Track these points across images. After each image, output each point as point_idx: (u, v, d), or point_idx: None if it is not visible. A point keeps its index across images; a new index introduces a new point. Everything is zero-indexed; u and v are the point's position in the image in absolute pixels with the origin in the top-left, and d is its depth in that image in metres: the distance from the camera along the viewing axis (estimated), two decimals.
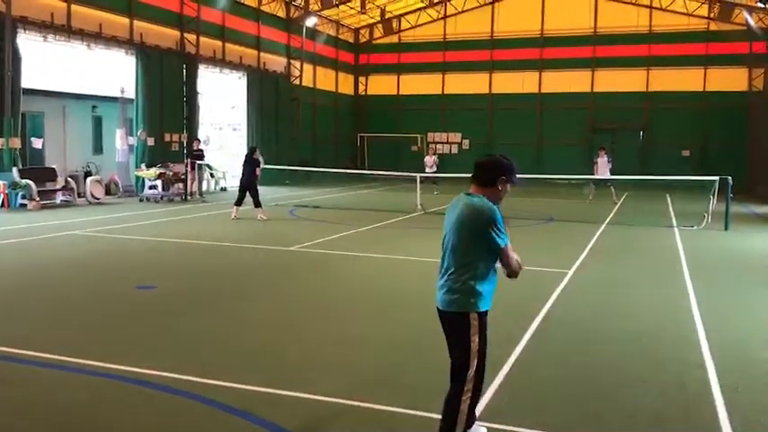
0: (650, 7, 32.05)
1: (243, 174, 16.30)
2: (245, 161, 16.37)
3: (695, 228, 15.69)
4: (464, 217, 3.95)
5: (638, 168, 29.19)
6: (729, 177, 16.12)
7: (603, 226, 15.96)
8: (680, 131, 31.78)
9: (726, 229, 15.29)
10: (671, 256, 11.91)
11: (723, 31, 30.88)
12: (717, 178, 16.86)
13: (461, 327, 3.93)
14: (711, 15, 30.96)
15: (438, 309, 4.10)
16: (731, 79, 30.96)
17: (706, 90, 31.61)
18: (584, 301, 8.42)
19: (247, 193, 16.05)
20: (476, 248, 3.89)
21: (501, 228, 3.90)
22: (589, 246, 12.77)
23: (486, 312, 4.03)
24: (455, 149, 36.03)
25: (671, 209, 20.58)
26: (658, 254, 12.28)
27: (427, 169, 25.73)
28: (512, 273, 3.98)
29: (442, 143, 36.29)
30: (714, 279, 10.05)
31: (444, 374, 5.30)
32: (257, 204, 16.05)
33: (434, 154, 27.92)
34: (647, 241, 13.94)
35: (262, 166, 17.23)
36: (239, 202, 16.06)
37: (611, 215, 18.36)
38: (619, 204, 21.22)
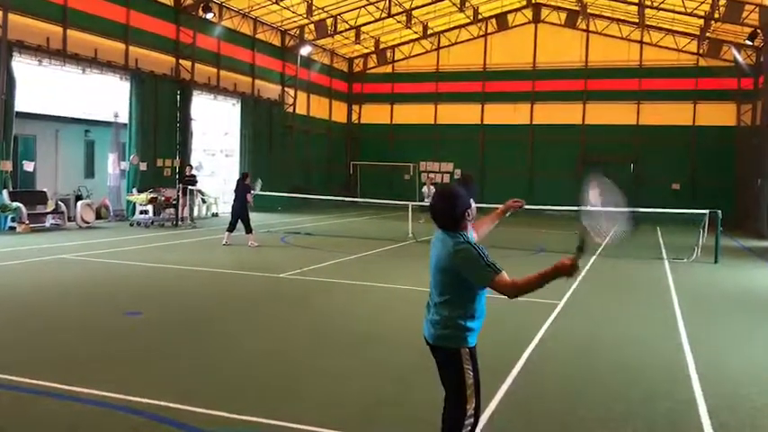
0: (641, 42, 32.55)
1: (235, 200, 16.28)
2: (237, 187, 16.36)
3: (685, 260, 15.75)
4: (444, 258, 3.81)
5: (627, 201, 29.29)
6: (719, 211, 16.24)
7: (593, 258, 15.98)
8: (670, 165, 32.07)
9: (715, 262, 15.36)
10: (661, 288, 11.93)
11: (712, 68, 31.35)
12: (706, 212, 16.97)
13: (453, 362, 3.86)
14: (701, 52, 31.45)
15: (426, 341, 4.03)
16: (720, 114, 31.37)
17: (695, 125, 31.99)
18: (574, 333, 8.40)
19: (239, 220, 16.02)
20: (460, 287, 3.79)
21: (483, 260, 3.74)
22: (579, 277, 12.77)
23: (474, 346, 3.96)
24: (447, 179, 36.17)
25: (661, 241, 20.66)
26: (648, 286, 12.30)
27: (427, 199, 25.79)
28: (520, 294, 3.82)
29: (435, 172, 36.43)
30: (704, 312, 10.06)
31: (432, 407, 5.25)
32: (248, 231, 16.00)
33: (432, 184, 28.02)
34: (637, 273, 13.97)
35: (255, 192, 17.23)
36: (231, 229, 16.01)
37: (601, 247, 18.39)
38: (607, 238, 21.26)
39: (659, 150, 32.26)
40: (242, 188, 16.16)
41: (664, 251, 17.91)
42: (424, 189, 27.06)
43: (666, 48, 32.02)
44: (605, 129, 32.98)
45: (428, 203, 20.48)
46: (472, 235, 3.99)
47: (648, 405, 5.74)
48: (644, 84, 32.61)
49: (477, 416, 3.89)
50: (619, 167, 32.61)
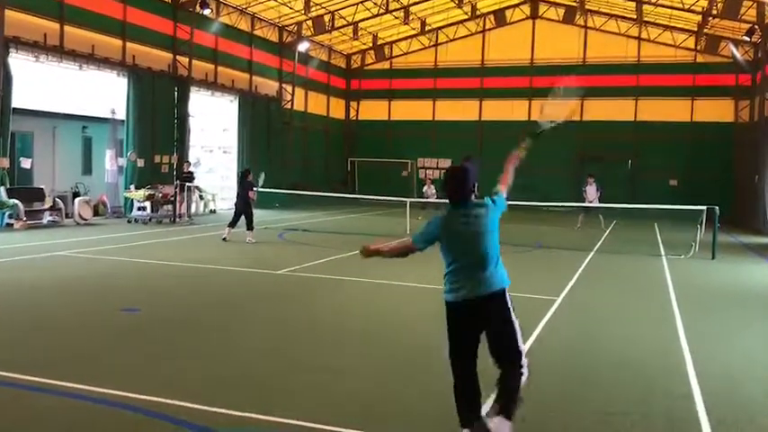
0: (639, 39, 32.54)
1: (238, 196, 16.30)
2: (239, 184, 16.36)
3: (683, 257, 15.77)
4: (494, 220, 4.63)
5: (626, 197, 29.35)
6: (716, 207, 16.26)
7: (592, 254, 16.01)
8: (667, 161, 32.08)
9: (713, 258, 15.39)
10: (659, 284, 11.95)
11: (710, 64, 31.36)
12: (704, 208, 17.00)
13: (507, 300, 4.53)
14: (698, 48, 31.45)
15: (487, 295, 4.46)
16: (718, 110, 31.38)
17: (693, 120, 32.00)
18: (571, 329, 8.40)
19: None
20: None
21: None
22: (577, 273, 12.79)
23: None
24: None
25: (659, 238, 20.69)
26: (646, 282, 12.31)
27: (432, 197, 25.87)
28: None
29: (432, 168, 36.43)
30: (701, 308, 10.08)
31: (431, 402, 5.27)
32: (249, 227, 16.00)
33: (432, 183, 28.03)
34: (635, 270, 13.99)
35: (258, 187, 17.24)
36: (233, 224, 16.02)
37: (600, 243, 18.43)
38: (607, 232, 21.31)
39: (657, 146, 32.28)
40: (244, 185, 16.16)
41: (661, 247, 17.93)
42: (426, 189, 27.09)
43: (664, 44, 32.02)
44: (603, 125, 32.96)
45: (430, 201, 20.49)
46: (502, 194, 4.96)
47: (646, 400, 5.75)
48: (642, 80, 32.61)
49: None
50: (617, 164, 32.66)
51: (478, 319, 4.50)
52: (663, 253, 16.61)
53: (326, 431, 4.83)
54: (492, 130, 34.94)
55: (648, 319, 9.18)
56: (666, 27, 31.34)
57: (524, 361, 4.50)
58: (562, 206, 27.62)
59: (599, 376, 6.44)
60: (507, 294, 4.54)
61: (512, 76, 34.70)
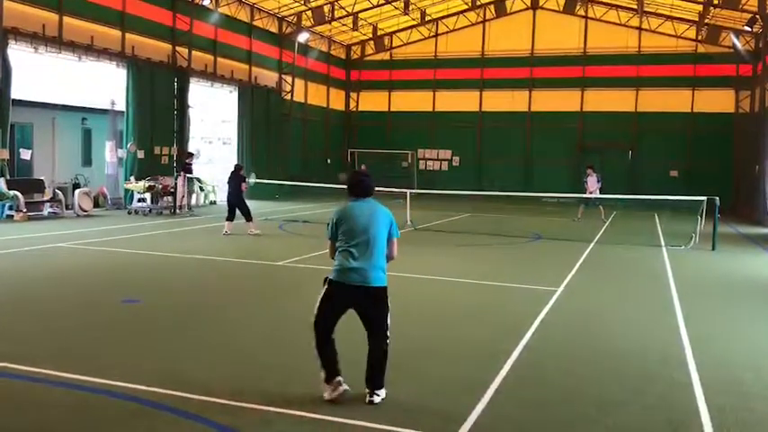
0: (639, 29, 32.45)
1: (229, 190, 16.25)
2: (230, 178, 16.31)
3: (683, 247, 15.78)
4: (386, 215, 5.43)
5: (626, 188, 29.36)
6: (717, 198, 16.26)
7: (592, 245, 16.02)
8: (668, 152, 32.06)
9: (713, 249, 15.39)
10: (659, 275, 11.96)
11: (711, 54, 31.28)
12: (704, 199, 16.99)
13: (385, 297, 5.30)
14: (699, 38, 31.36)
15: (363, 286, 5.20)
16: (718, 101, 31.32)
17: (694, 111, 31.95)
18: (572, 319, 8.42)
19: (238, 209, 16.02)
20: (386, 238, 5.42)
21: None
22: (577, 264, 12.81)
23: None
24: (445, 166, 36.16)
25: (659, 228, 20.69)
26: (646, 273, 12.33)
27: None
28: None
29: (432, 160, 36.43)
30: (701, 298, 10.10)
31: (429, 392, 5.30)
32: (248, 219, 15.99)
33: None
34: (635, 260, 14.00)
35: (250, 181, 17.20)
36: (230, 218, 16.02)
37: (600, 234, 18.44)
38: (607, 223, 21.31)
39: (657, 137, 32.26)
40: (237, 179, 16.13)
41: (662, 238, 17.94)
42: None
43: (665, 34, 31.93)
44: (603, 116, 32.94)
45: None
46: None
47: (645, 389, 5.77)
48: (642, 70, 32.53)
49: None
50: (617, 154, 32.65)
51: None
52: (663, 244, 16.62)
53: (327, 421, 4.85)
54: (492, 120, 34.93)
55: (648, 309, 9.20)
56: (667, 17, 31.24)
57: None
58: (562, 197, 27.63)
59: (598, 366, 6.46)
60: (384, 290, 5.34)
61: (512, 67, 34.62)
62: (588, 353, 6.90)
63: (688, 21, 30.82)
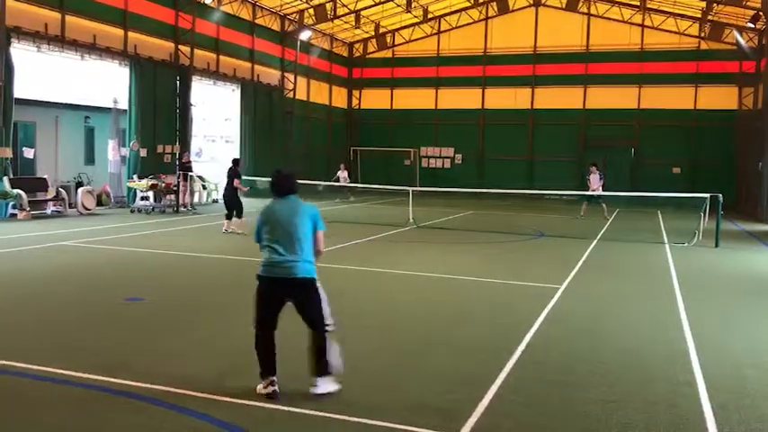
0: (642, 26, 32.39)
1: (225, 186, 16.26)
2: (228, 174, 16.29)
3: (686, 244, 15.75)
4: (306, 210, 5.43)
5: (629, 185, 29.33)
6: (720, 195, 16.23)
7: (595, 242, 16.00)
8: (670, 149, 32.02)
9: (716, 245, 15.37)
10: (662, 272, 11.95)
11: (714, 50, 31.22)
12: (707, 196, 16.96)
13: (316, 289, 5.36)
14: (702, 35, 31.29)
15: (291, 279, 5.26)
16: (721, 98, 31.26)
17: (696, 108, 31.89)
18: (575, 317, 8.42)
19: None
20: (311, 232, 5.43)
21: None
22: (580, 262, 12.79)
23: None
24: (447, 164, 36.15)
25: (662, 225, 20.66)
26: (649, 270, 12.31)
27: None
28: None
29: (435, 157, 36.41)
30: (705, 296, 10.08)
31: (435, 389, 5.30)
32: (238, 215, 15.86)
33: (346, 169, 29.56)
34: (638, 258, 13.98)
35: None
36: (229, 216, 16.02)
37: (603, 231, 18.42)
38: (610, 221, 21.28)
39: (660, 134, 32.21)
40: (232, 174, 16.11)
41: (664, 235, 17.91)
42: (339, 173, 28.85)
43: (668, 31, 31.86)
44: (606, 113, 32.90)
45: (342, 185, 20.62)
46: None
47: (648, 386, 5.76)
48: (645, 67, 32.48)
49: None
50: (619, 151, 32.59)
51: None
52: (666, 241, 16.59)
53: (329, 419, 4.85)
54: (495, 118, 34.91)
55: (651, 306, 9.18)
56: (670, 14, 31.17)
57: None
58: (565, 194, 27.61)
59: (601, 363, 6.45)
60: (314, 282, 5.40)
61: (514, 64, 34.58)
62: (591, 350, 6.90)
63: (691, 17, 30.76)
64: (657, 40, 32.19)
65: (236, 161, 16.66)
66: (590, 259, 13.29)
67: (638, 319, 8.40)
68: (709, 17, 29.24)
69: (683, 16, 31.00)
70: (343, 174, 28.83)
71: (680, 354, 6.78)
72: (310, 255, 5.35)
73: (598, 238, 16.94)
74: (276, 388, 5.19)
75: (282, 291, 5.28)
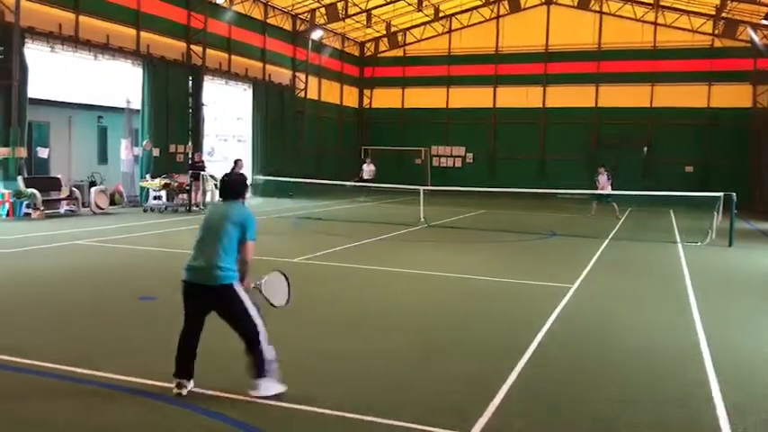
0: (655, 24, 32.19)
1: None
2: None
3: (699, 244, 15.66)
4: (236, 215, 5.29)
5: (641, 184, 29.17)
6: (734, 194, 16.11)
7: (606, 241, 15.93)
8: (683, 147, 31.80)
9: (730, 245, 15.26)
10: (674, 272, 11.88)
11: (727, 48, 30.98)
12: (721, 194, 16.84)
13: (237, 294, 5.23)
14: (716, 32, 31.06)
15: (207, 284, 5.22)
16: (735, 96, 31.01)
17: (710, 106, 31.66)
18: (586, 316, 8.39)
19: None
20: (238, 239, 5.27)
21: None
22: (592, 261, 12.75)
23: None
24: (459, 163, 36.10)
25: (674, 225, 20.54)
26: (662, 270, 12.25)
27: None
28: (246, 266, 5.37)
29: (446, 156, 36.37)
30: (718, 295, 10.02)
31: (447, 388, 5.30)
32: None
33: (372, 163, 29.48)
34: (650, 257, 13.91)
35: (258, 178, 17.26)
36: None
37: (615, 230, 18.34)
38: (622, 220, 21.18)
39: (673, 133, 32.00)
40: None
41: (677, 234, 17.81)
42: (365, 166, 28.93)
43: (681, 29, 31.65)
44: (618, 111, 32.74)
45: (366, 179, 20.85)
46: None
47: (660, 386, 5.74)
48: (658, 65, 32.27)
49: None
50: (632, 150, 32.42)
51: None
52: (678, 240, 16.50)
53: (337, 417, 4.87)
54: (506, 116, 34.82)
55: (664, 306, 9.14)
56: (683, 11, 30.96)
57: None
58: (575, 194, 27.50)
59: (613, 363, 6.43)
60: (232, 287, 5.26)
61: (526, 63, 34.47)
62: (603, 350, 6.88)
63: (704, 15, 30.53)
64: (670, 37, 31.98)
65: (236, 162, 16.74)
66: (602, 258, 13.24)
67: (650, 318, 8.36)
68: (723, 14, 29.02)
69: (696, 14, 30.78)
70: (369, 167, 28.63)
71: (692, 353, 6.75)
72: (231, 262, 5.17)
73: (610, 237, 16.86)
74: (182, 391, 5.12)
75: (201, 296, 5.22)
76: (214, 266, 5.14)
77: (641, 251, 14.78)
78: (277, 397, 5.17)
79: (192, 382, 5.24)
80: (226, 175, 5.62)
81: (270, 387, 5.15)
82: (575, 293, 9.62)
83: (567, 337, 7.31)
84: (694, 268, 12.20)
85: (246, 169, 27.67)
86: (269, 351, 5.17)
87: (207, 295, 5.20)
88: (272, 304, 5.57)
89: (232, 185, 5.48)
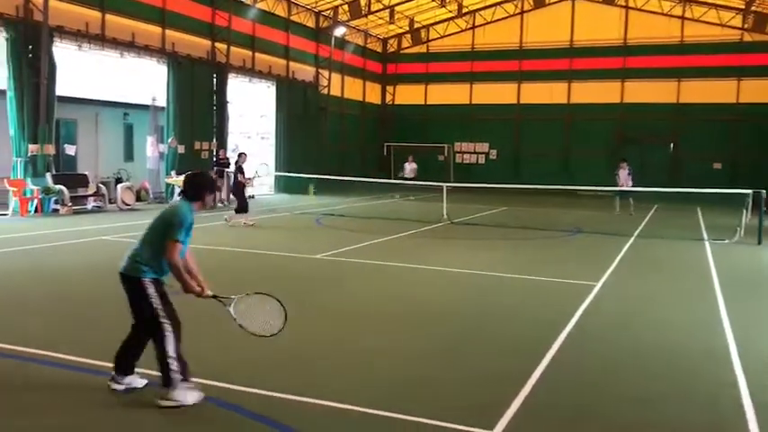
0: (682, 18, 31.71)
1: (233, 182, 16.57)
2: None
3: (727, 241, 15.41)
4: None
5: (667, 181, 28.79)
6: (763, 191, 15.83)
7: (632, 239, 15.75)
8: (711, 144, 31.32)
9: (759, 243, 14.99)
10: (701, 270, 11.71)
11: (757, 42, 30.43)
12: (750, 191, 16.55)
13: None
14: (745, 26, 30.51)
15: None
16: (765, 91, 30.44)
17: (739, 102, 31.14)
18: (612, 315, 8.31)
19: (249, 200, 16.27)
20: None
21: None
22: (617, 259, 12.61)
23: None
24: (482, 159, 35.94)
25: (702, 222, 20.25)
26: (688, 268, 12.08)
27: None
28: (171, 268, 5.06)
29: (469, 153, 36.22)
30: (747, 294, 9.85)
31: (469, 385, 5.28)
32: (237, 210, 16.20)
33: (414, 161, 29.12)
34: (677, 255, 13.73)
35: (259, 176, 17.45)
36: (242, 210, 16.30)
37: (640, 228, 18.12)
38: (648, 218, 20.92)
39: (700, 129, 31.52)
40: (236, 169, 16.36)
41: (704, 232, 17.55)
42: (406, 165, 28.36)
43: (709, 23, 31.14)
44: (644, 107, 32.33)
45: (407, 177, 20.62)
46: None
47: (687, 385, 5.67)
48: (685, 60, 31.79)
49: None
50: (658, 147, 32.02)
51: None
52: (706, 238, 16.26)
53: (367, 414, 4.88)
54: (530, 113, 34.57)
55: (690, 304, 9.01)
56: (712, 5, 30.46)
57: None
58: (600, 190, 27.21)
59: (639, 362, 6.36)
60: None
61: (551, 59, 34.18)
62: (628, 348, 6.80)
63: (733, 8, 30.01)
64: (698, 32, 31.48)
65: (240, 155, 16.82)
66: (627, 256, 13.09)
67: (676, 317, 8.25)
68: (753, 8, 28.50)
69: (725, 7, 30.26)
70: (410, 165, 28.49)
71: (720, 353, 6.64)
72: (148, 258, 5.00)
73: (636, 234, 16.67)
74: (117, 387, 5.07)
75: (121, 283, 5.12)
76: (129, 255, 5.07)
77: (667, 249, 14.59)
78: (297, 392, 5.16)
79: (129, 377, 5.13)
80: (190, 172, 5.38)
81: (178, 395, 4.85)
82: (599, 291, 9.53)
83: (592, 336, 7.24)
84: (722, 267, 12.01)
85: (269, 166, 27.95)
86: (173, 362, 4.88)
87: (121, 283, 5.11)
88: (240, 325, 5.23)
89: (187, 183, 5.24)
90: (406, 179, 27.95)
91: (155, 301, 5.00)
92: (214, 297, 5.25)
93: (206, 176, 5.42)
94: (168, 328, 4.96)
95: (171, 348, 4.92)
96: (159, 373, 4.96)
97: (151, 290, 5.01)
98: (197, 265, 5.42)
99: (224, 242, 13.52)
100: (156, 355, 4.94)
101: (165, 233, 4.97)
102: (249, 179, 16.59)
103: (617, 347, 6.83)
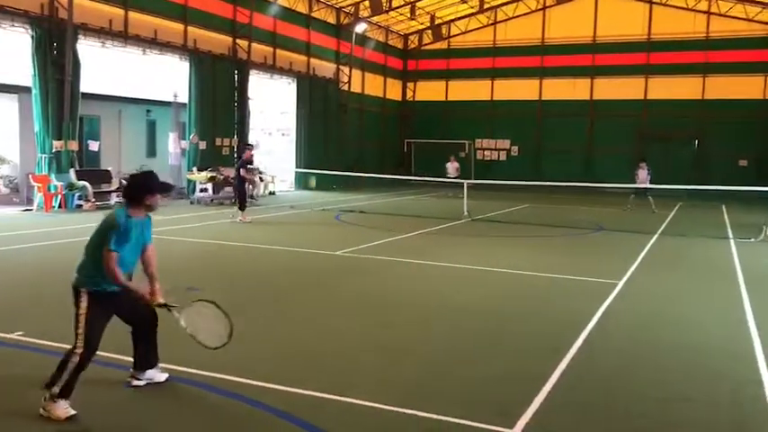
0: (708, 13, 31.24)
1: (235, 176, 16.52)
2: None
3: (753, 240, 15.17)
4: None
5: (691, 178, 28.41)
6: None
7: (655, 236, 15.57)
8: (737, 140, 30.85)
9: None
10: (726, 268, 11.53)
11: None
12: None
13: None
14: None
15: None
16: None
17: (765, 98, 30.61)
18: (634, 313, 8.21)
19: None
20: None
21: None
22: (640, 256, 12.47)
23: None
24: (503, 156, 35.74)
25: (726, 220, 19.95)
26: (712, 266, 11.91)
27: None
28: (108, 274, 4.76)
29: (491, 149, 36.04)
30: None
31: (491, 383, 5.25)
32: (239, 207, 16.20)
33: (456, 161, 28.42)
34: (700, 253, 13.54)
35: (249, 166, 17.48)
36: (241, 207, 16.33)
37: (664, 225, 17.90)
38: (671, 215, 20.66)
39: (726, 125, 31.05)
40: (239, 163, 16.33)
41: (729, 230, 17.29)
42: (449, 165, 27.36)
43: (735, 18, 30.64)
44: (668, 103, 31.91)
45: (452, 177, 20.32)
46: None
47: (711, 385, 5.58)
48: (710, 56, 31.33)
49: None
50: (682, 143, 31.62)
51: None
52: (731, 236, 16.02)
53: (385, 410, 4.87)
54: (552, 109, 34.30)
55: (715, 303, 8.88)
56: (738, 0, 29.96)
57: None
58: (623, 187, 26.95)
59: (662, 361, 6.27)
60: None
61: (573, 54, 33.86)
62: (651, 348, 6.71)
63: (761, 3, 29.48)
64: (724, 27, 30.99)
65: (246, 146, 16.79)
66: (650, 254, 12.94)
67: (700, 316, 8.14)
68: None
69: (752, 2, 29.74)
70: (453, 164, 28.16)
71: (745, 353, 6.53)
72: (89, 268, 4.83)
73: (659, 232, 16.47)
74: (137, 382, 5.06)
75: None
76: (77, 267, 4.88)
77: (691, 247, 14.40)
78: (320, 388, 5.17)
79: (150, 372, 5.16)
80: (132, 173, 5.08)
81: (57, 408, 4.55)
82: (622, 289, 9.42)
83: (614, 334, 7.16)
84: (747, 265, 11.81)
85: (290, 161, 28.05)
86: (62, 379, 4.58)
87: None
88: (190, 335, 5.06)
89: (124, 187, 4.96)
90: (450, 178, 27.54)
91: (82, 318, 4.74)
92: (164, 306, 5.05)
93: (144, 177, 5.06)
94: (79, 350, 4.67)
95: (70, 368, 4.62)
96: (131, 368, 5.13)
97: (84, 303, 4.76)
98: (157, 270, 5.26)
99: (246, 237, 13.57)
100: (62, 358, 4.71)
101: (99, 243, 4.76)
102: (252, 174, 16.47)
103: (639, 346, 6.75)
